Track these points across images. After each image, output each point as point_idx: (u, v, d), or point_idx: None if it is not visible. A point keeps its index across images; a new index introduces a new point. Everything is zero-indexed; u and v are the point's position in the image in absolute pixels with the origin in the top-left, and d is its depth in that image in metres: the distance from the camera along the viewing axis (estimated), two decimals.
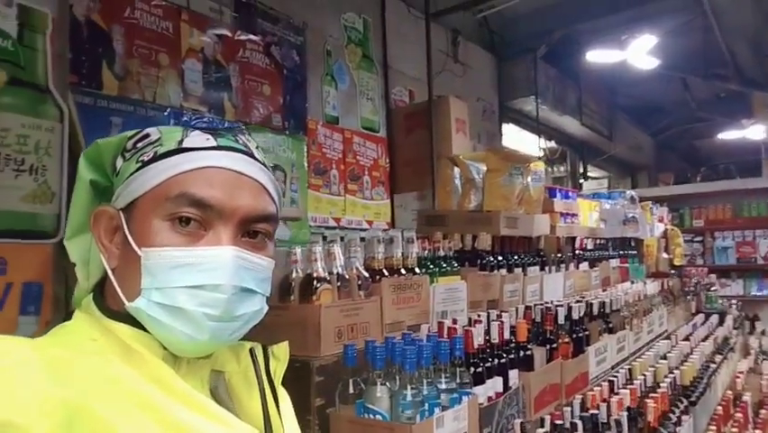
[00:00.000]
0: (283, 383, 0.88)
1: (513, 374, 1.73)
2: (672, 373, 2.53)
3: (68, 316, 0.77)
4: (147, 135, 0.76)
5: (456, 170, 2.98)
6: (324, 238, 2.23)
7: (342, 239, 1.78)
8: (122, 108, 2.56)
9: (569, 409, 1.80)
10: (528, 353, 1.84)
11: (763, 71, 6.23)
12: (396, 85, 4.38)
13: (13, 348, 0.63)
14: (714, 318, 4.14)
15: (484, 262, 2.34)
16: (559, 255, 2.94)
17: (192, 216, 0.71)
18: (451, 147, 3.94)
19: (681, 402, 2.36)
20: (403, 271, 1.83)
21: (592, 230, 3.60)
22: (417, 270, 1.89)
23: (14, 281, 2.08)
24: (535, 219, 2.83)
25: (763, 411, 3.50)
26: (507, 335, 1.73)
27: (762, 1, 4.94)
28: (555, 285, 2.64)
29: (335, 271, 1.61)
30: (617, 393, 2.05)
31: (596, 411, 1.81)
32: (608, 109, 7.64)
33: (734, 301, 5.13)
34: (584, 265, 3.16)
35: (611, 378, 2.19)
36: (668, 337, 3.18)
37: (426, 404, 1.33)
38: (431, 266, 2.01)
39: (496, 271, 2.32)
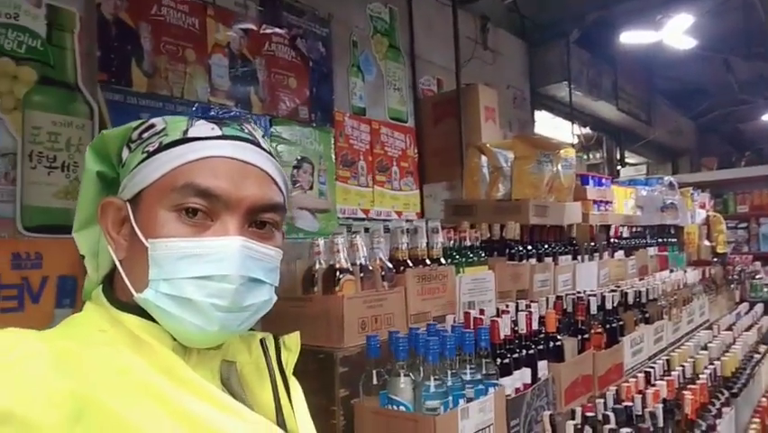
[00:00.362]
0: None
1: (542, 365, 1.69)
2: (713, 363, 2.43)
3: None
4: (152, 125, 0.75)
5: (483, 158, 2.93)
6: (349, 229, 2.22)
7: (366, 230, 1.77)
8: (151, 105, 2.61)
9: (602, 401, 1.75)
10: (558, 343, 1.79)
11: None
12: (423, 74, 4.33)
13: (22, 340, 0.63)
14: (759, 308, 3.97)
15: (513, 251, 2.29)
16: (592, 244, 2.87)
17: (198, 207, 0.70)
18: (480, 135, 3.89)
19: (723, 394, 2.27)
20: (428, 261, 1.81)
21: (628, 217, 3.50)
22: (443, 260, 1.86)
23: (50, 275, 2.14)
24: (566, 207, 2.76)
25: None
26: (535, 325, 1.69)
27: None
28: (589, 274, 2.57)
29: (358, 262, 1.60)
30: (653, 385, 1.97)
31: (630, 403, 1.75)
32: (646, 93, 7.40)
33: None
34: (620, 254, 3.08)
35: (648, 369, 2.12)
36: (710, 327, 3.07)
37: (450, 396, 1.31)
38: (457, 256, 1.98)
39: (525, 261, 2.27)
